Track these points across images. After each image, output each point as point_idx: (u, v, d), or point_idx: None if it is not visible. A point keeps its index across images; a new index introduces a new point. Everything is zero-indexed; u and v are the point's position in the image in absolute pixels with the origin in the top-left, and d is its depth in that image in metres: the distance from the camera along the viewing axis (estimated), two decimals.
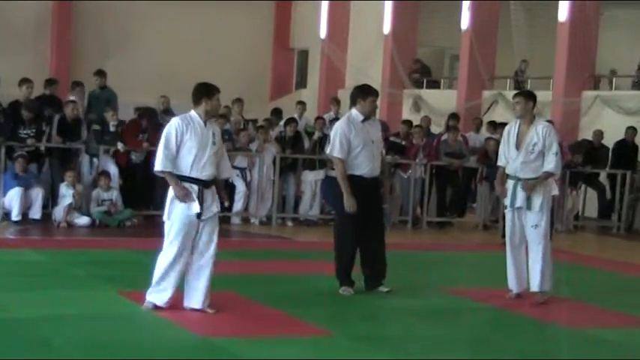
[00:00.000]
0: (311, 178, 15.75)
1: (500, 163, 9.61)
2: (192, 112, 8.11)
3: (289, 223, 15.79)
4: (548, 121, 9.88)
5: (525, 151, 9.23)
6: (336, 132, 9.24)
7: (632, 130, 17.72)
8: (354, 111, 9.27)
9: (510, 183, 9.43)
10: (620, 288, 11.08)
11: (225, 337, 7.31)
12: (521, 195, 9.28)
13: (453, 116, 18.02)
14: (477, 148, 17.54)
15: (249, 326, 7.77)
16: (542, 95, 20.45)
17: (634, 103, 18.93)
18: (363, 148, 9.14)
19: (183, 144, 7.94)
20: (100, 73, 16.53)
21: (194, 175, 8.00)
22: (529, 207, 9.25)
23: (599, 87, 20.77)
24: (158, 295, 8.06)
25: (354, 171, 9.16)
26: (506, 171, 9.48)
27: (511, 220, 9.50)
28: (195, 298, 8.09)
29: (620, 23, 21.63)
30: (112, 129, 14.55)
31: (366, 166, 9.16)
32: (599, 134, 17.64)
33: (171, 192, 7.99)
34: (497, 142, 16.93)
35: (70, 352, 6.65)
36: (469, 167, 17.04)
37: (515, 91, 21.65)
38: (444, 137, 17.03)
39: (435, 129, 18.58)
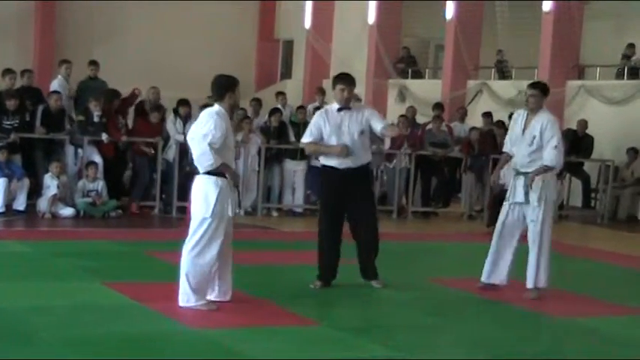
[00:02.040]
0: (291, 168, 15.74)
1: (505, 149, 9.52)
2: (220, 108, 7.90)
3: (274, 214, 15.78)
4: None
5: (525, 142, 9.12)
6: (312, 120, 9.24)
7: (583, 121, 17.76)
8: (334, 101, 9.19)
9: (512, 176, 9.34)
10: (604, 277, 11.13)
11: (212, 328, 7.30)
12: (520, 189, 9.16)
13: (438, 106, 18.03)
14: (462, 138, 17.56)
15: (236, 317, 7.75)
16: (526, 84, 20.57)
17: (618, 92, 18.99)
18: (331, 138, 8.94)
19: (226, 139, 7.80)
20: (94, 63, 16.44)
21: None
22: (527, 201, 9.11)
23: (583, 77, 20.83)
24: (201, 295, 7.90)
25: (326, 161, 9.06)
26: (512, 163, 9.38)
27: (505, 212, 9.39)
28: (229, 291, 8.10)
29: (604, 13, 21.65)
30: (95, 119, 14.48)
31: (334, 156, 8.95)
32: (583, 124, 17.69)
33: (214, 189, 7.78)
34: (482, 133, 17.09)
35: (54, 343, 6.62)
36: (454, 157, 17.06)
37: (499, 81, 21.96)
38: (429, 127, 17.04)
39: (420, 119, 18.59)
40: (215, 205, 7.74)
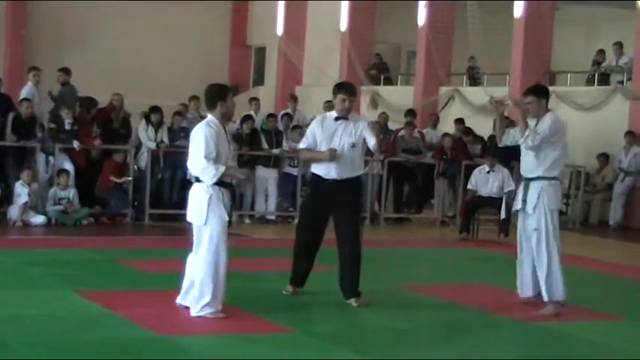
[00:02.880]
0: (263, 175, 15.72)
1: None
2: (211, 117, 7.91)
3: (247, 221, 15.76)
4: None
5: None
6: (309, 127, 9.19)
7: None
8: (334, 109, 9.01)
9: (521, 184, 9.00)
10: (576, 282, 11.15)
11: (183, 335, 7.28)
12: (519, 197, 8.88)
13: (410, 112, 18.09)
14: (434, 144, 17.62)
15: (208, 324, 7.73)
16: (498, 91, 20.67)
17: (589, 98, 19.11)
18: (323, 146, 8.78)
19: (218, 147, 7.80)
20: (64, 70, 16.36)
21: (226, 179, 7.90)
22: (524, 208, 8.79)
23: (554, 83, 20.95)
24: (215, 304, 7.86)
25: (315, 169, 8.96)
26: (521, 171, 9.01)
27: (518, 222, 9.04)
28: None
29: (574, 20, 21.82)
30: (67, 127, 14.41)
31: (322, 166, 8.79)
32: None
33: (204, 195, 7.78)
34: (453, 139, 17.15)
35: (25, 352, 6.58)
36: (426, 163, 17.10)
37: (471, 88, 22.05)
38: (401, 133, 17.08)
39: (393, 125, 18.63)
40: (207, 211, 7.76)
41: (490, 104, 9.13)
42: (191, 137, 7.96)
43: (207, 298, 7.79)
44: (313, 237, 8.99)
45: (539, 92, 8.94)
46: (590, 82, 20.21)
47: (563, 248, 8.95)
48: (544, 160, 8.72)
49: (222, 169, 7.75)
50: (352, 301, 8.71)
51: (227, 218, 7.86)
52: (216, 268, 7.85)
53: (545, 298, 8.75)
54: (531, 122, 8.89)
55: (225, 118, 8.07)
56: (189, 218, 7.97)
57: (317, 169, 8.92)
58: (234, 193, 8.19)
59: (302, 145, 9.08)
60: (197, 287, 7.85)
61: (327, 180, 8.81)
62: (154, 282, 9.61)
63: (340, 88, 8.94)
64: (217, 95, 7.98)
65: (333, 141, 8.76)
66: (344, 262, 8.82)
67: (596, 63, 20.31)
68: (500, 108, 9.53)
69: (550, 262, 8.73)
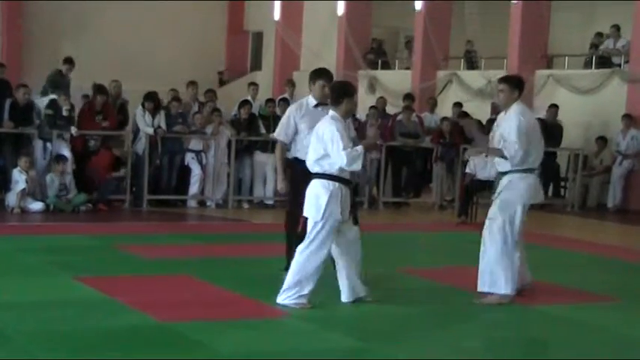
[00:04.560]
0: (262, 160, 15.73)
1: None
2: (334, 113, 7.93)
3: (245, 206, 15.77)
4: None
5: (495, 142, 8.59)
6: (285, 114, 9.16)
7: (552, 110, 17.71)
8: (310, 95, 9.03)
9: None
10: (574, 265, 11.20)
11: (182, 321, 7.28)
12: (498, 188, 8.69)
13: (408, 97, 18.08)
14: (432, 128, 17.62)
15: (206, 310, 7.75)
16: (496, 74, 20.61)
17: (586, 81, 19.10)
18: (309, 134, 8.69)
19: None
20: (69, 61, 16.25)
21: (345, 175, 7.92)
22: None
23: (552, 66, 20.93)
24: (300, 295, 7.85)
25: (299, 154, 8.92)
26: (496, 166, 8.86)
27: None
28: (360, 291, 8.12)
29: (572, 2, 21.77)
30: (64, 113, 14.40)
31: (305, 150, 8.68)
32: (552, 112, 17.73)
33: (324, 192, 7.76)
34: (452, 123, 17.15)
35: (25, 340, 6.57)
36: (424, 147, 17.11)
37: (468, 71, 22.03)
38: (399, 118, 17.08)
39: (391, 109, 18.62)
40: (325, 208, 7.75)
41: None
42: (317, 132, 7.89)
43: (291, 284, 7.83)
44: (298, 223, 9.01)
45: (512, 83, 8.68)
46: (587, 65, 20.19)
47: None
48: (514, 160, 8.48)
49: (360, 148, 7.78)
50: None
51: (340, 218, 7.84)
52: (314, 263, 7.83)
53: (478, 288, 8.49)
54: (501, 115, 8.74)
55: (347, 114, 8.10)
56: (305, 213, 7.94)
57: (302, 154, 8.85)
58: (355, 188, 8.11)
59: (280, 137, 9.07)
60: (291, 275, 7.85)
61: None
62: (152, 268, 9.62)
63: (319, 74, 8.94)
64: (344, 93, 8.01)
65: (313, 125, 8.59)
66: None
67: (594, 46, 20.29)
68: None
69: (496, 253, 8.47)
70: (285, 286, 7.88)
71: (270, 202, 15.92)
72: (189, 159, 15.34)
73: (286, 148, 9.12)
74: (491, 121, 17.65)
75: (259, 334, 7.01)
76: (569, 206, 17.65)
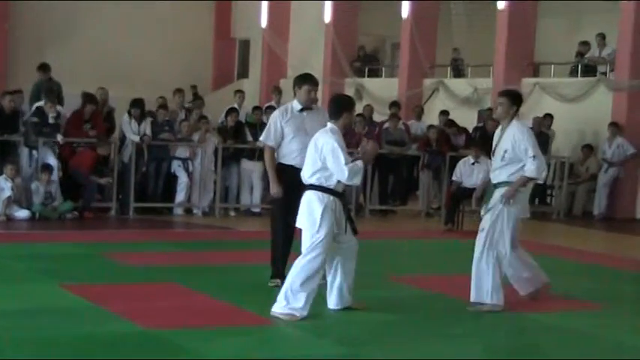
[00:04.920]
0: (249, 168, 15.72)
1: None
2: (333, 125, 7.96)
3: (232, 213, 15.76)
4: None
5: (497, 156, 8.65)
6: (271, 120, 9.21)
7: (539, 118, 17.80)
8: (295, 100, 9.14)
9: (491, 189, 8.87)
10: (560, 273, 11.20)
11: (168, 328, 7.26)
12: (492, 199, 8.71)
13: (394, 104, 18.11)
14: (419, 136, 17.65)
15: (192, 317, 7.74)
16: (482, 82, 20.74)
17: (572, 90, 19.17)
18: (294, 138, 8.95)
19: None
20: (43, 67, 16.25)
21: (339, 189, 7.95)
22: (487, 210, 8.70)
23: (538, 74, 21.01)
24: (295, 304, 7.79)
25: (284, 160, 9.05)
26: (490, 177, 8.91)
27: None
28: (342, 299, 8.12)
29: (558, 11, 21.86)
30: (50, 121, 14.36)
31: (296, 156, 8.91)
32: (539, 121, 17.79)
33: (319, 205, 7.78)
34: (439, 130, 17.19)
35: (11, 347, 6.55)
36: (411, 155, 17.13)
37: (455, 79, 22.09)
38: (386, 125, 17.10)
39: (377, 117, 18.64)
40: (320, 221, 7.76)
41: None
42: (316, 144, 7.89)
43: (284, 297, 7.77)
44: (290, 225, 9.00)
45: (513, 97, 8.81)
46: (573, 73, 20.27)
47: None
48: (509, 166, 8.60)
49: (361, 163, 7.84)
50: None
51: (336, 230, 7.88)
52: (312, 275, 7.81)
53: (472, 298, 8.51)
54: (498, 131, 8.87)
55: (345, 128, 8.15)
56: (299, 224, 7.95)
57: (288, 159, 9.01)
58: (345, 203, 8.14)
59: (267, 141, 9.11)
60: (286, 287, 7.81)
61: (300, 169, 8.74)
62: (139, 275, 9.60)
63: (306, 79, 9.05)
64: (344, 107, 8.07)
65: (304, 132, 8.89)
66: None
67: (580, 54, 20.36)
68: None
69: (484, 263, 8.51)
70: (279, 296, 7.84)
71: (257, 209, 15.91)
72: (176, 166, 15.32)
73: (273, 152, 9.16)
74: (477, 129, 17.83)
75: (246, 342, 7.00)
76: (555, 214, 17.70)
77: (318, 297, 8.22)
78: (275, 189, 9.03)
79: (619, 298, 9.65)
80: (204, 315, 7.85)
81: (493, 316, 8.33)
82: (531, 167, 8.47)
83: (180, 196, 15.29)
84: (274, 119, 9.11)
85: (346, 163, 7.71)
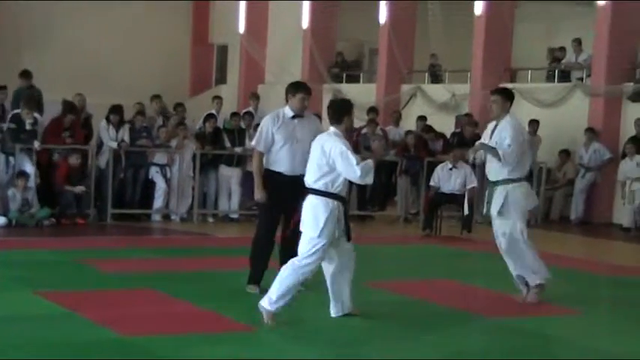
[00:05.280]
0: (227, 174, 15.71)
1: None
2: (335, 129, 7.99)
3: (210, 220, 15.74)
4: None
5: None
6: (262, 125, 9.24)
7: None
8: (287, 107, 9.15)
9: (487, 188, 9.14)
10: None
11: (145, 335, 7.24)
12: (485, 200, 9.05)
13: (372, 110, 18.12)
14: (397, 142, 17.67)
15: (170, 324, 7.71)
16: (460, 88, 20.79)
17: (549, 95, 19.25)
18: (285, 145, 9.01)
19: None
20: (25, 74, 16.19)
21: (343, 193, 8.02)
22: (488, 210, 8.98)
23: (515, 80, 21.08)
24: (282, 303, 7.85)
25: (273, 166, 9.09)
26: (487, 176, 9.17)
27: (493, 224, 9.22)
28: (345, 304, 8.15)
29: (534, 17, 21.96)
30: (27, 127, 14.29)
31: (285, 163, 9.01)
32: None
33: (324, 210, 7.79)
34: (416, 136, 17.23)
35: None
36: (389, 161, 17.14)
37: (432, 85, 22.14)
38: (364, 131, 17.11)
39: (355, 123, 18.61)
40: (323, 226, 7.77)
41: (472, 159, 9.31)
42: (322, 149, 7.88)
43: (278, 296, 7.78)
44: (273, 234, 9.21)
45: (505, 94, 9.13)
46: (550, 78, 20.36)
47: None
48: (507, 163, 8.83)
49: (371, 162, 7.93)
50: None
51: (336, 235, 7.92)
52: (307, 273, 7.88)
53: (532, 283, 9.08)
54: (490, 124, 9.00)
55: (347, 131, 8.19)
56: (302, 228, 7.93)
57: (277, 166, 9.07)
58: (347, 209, 8.25)
59: (258, 147, 9.15)
60: (276, 285, 7.81)
61: (289, 176, 9.00)
62: (116, 282, 9.55)
63: (299, 87, 9.13)
64: (344, 110, 8.11)
65: (296, 138, 8.98)
66: (292, 253, 8.81)
67: (557, 60, 20.45)
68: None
69: (525, 257, 9.03)
70: (272, 293, 7.80)
71: (235, 215, 15.89)
72: (154, 173, 15.28)
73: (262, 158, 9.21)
74: (455, 135, 17.86)
75: (224, 348, 6.98)
76: (532, 219, 17.73)
77: (299, 303, 8.21)
78: (259, 194, 9.06)
79: (595, 302, 9.71)
80: (183, 322, 7.83)
81: (470, 321, 8.35)
82: (507, 151, 8.69)
83: (158, 202, 15.25)
84: (266, 125, 9.13)
85: (357, 164, 7.75)
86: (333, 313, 8.16)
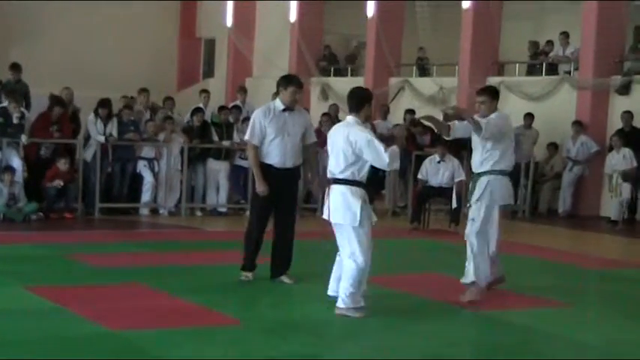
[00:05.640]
0: (215, 167, 15.70)
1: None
2: (355, 118, 8.05)
3: (198, 213, 15.72)
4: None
5: (484, 148, 8.93)
6: (253, 118, 9.30)
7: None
8: (277, 100, 9.28)
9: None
10: (524, 269, 11.28)
11: (133, 329, 7.23)
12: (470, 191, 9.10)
13: None
14: (385, 135, 17.65)
15: (157, 318, 7.70)
16: (447, 82, 20.81)
17: (537, 88, 19.29)
18: (276, 138, 9.12)
19: None
20: (15, 67, 16.16)
21: (364, 180, 8.10)
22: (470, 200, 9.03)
23: (503, 73, 21.12)
24: (357, 298, 7.97)
25: (265, 159, 9.19)
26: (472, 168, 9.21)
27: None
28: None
29: (522, 10, 21.99)
30: (15, 121, 14.26)
31: (276, 155, 9.13)
32: None
33: (356, 198, 7.90)
34: (404, 129, 17.19)
35: None
36: None
37: (420, 78, 22.15)
38: None
39: (343, 116, 18.62)
40: (361, 213, 7.88)
41: (446, 113, 9.28)
42: (348, 139, 7.90)
43: (350, 295, 7.91)
44: (264, 224, 9.38)
45: (492, 93, 9.22)
46: (535, 72, 20.40)
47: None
48: (491, 155, 8.90)
49: (396, 148, 7.99)
50: (284, 279, 9.32)
51: (375, 219, 8.06)
52: (365, 266, 7.97)
53: (468, 280, 9.02)
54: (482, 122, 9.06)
55: (366, 119, 8.25)
56: (336, 219, 7.99)
57: (268, 158, 9.18)
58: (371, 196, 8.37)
59: (252, 140, 9.22)
60: (343, 284, 7.93)
61: (280, 169, 9.16)
62: (104, 277, 9.53)
63: (291, 81, 9.23)
64: (364, 99, 8.15)
65: (286, 131, 9.12)
66: (283, 244, 9.32)
67: (542, 53, 20.48)
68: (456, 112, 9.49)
69: (476, 249, 8.90)
70: (344, 295, 7.91)
71: (224, 209, 15.89)
72: (142, 167, 15.26)
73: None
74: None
75: (211, 342, 6.97)
76: (520, 212, 17.80)
77: (285, 296, 8.23)
78: (262, 187, 9.12)
79: (583, 295, 9.74)
80: (171, 316, 7.81)
81: (459, 314, 8.37)
82: (487, 127, 8.69)
83: (146, 196, 15.23)
84: (257, 118, 9.21)
85: (385, 151, 7.83)
86: (331, 291, 8.25)
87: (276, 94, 9.51)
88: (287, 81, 9.21)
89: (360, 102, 8.10)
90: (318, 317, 8.01)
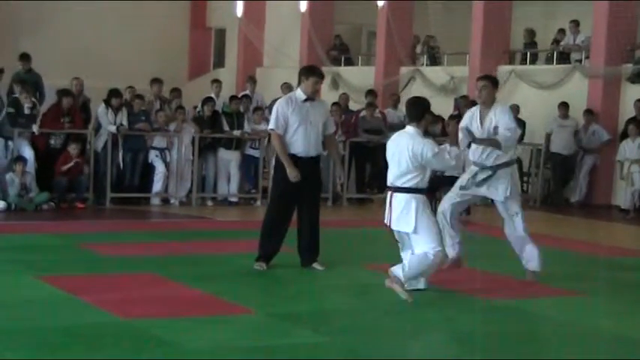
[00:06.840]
0: (226, 157, 15.71)
1: (462, 145, 9.42)
2: (417, 130, 8.23)
3: (209, 203, 15.74)
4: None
5: (487, 134, 9.08)
6: (276, 108, 9.41)
7: (514, 106, 17.91)
8: (299, 90, 9.45)
9: (474, 169, 9.30)
10: None
11: (146, 318, 7.24)
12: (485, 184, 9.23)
13: (371, 93, 18.09)
14: (396, 125, 17.62)
15: (170, 307, 7.71)
16: (458, 70, 20.76)
17: (548, 77, 19.22)
18: (299, 127, 9.25)
19: None
20: (24, 57, 16.20)
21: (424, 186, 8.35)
22: (487, 191, 9.22)
23: (514, 62, 21.05)
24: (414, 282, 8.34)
25: (289, 149, 9.30)
26: (470, 157, 9.35)
27: (455, 197, 9.50)
28: None
29: None
30: (26, 111, 14.29)
31: (300, 145, 9.26)
32: (515, 108, 17.81)
33: (414, 205, 8.11)
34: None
35: None
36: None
37: (431, 67, 22.10)
38: (362, 114, 17.09)
39: (354, 106, 18.63)
40: (416, 220, 8.09)
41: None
42: (410, 151, 8.08)
43: (409, 282, 8.21)
44: (287, 215, 9.45)
45: (493, 80, 9.43)
46: (549, 60, 20.33)
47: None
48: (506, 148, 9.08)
49: (455, 149, 8.32)
50: (317, 266, 9.45)
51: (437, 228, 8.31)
52: (436, 263, 8.21)
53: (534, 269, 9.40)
54: (474, 109, 9.29)
55: (425, 129, 8.43)
56: (402, 227, 8.25)
57: (292, 148, 9.30)
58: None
59: (275, 129, 9.33)
60: (413, 266, 8.15)
61: (304, 158, 9.29)
62: (116, 266, 9.55)
63: (313, 72, 9.45)
64: (425, 109, 8.35)
65: (308, 121, 9.28)
66: (310, 231, 9.45)
67: (556, 42, 20.41)
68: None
69: (529, 240, 9.36)
70: (404, 269, 8.11)
71: (234, 199, 15.90)
72: (153, 156, 15.27)
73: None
74: (453, 117, 17.80)
75: (223, 331, 6.98)
76: (531, 201, 17.75)
77: (300, 286, 8.22)
78: (294, 172, 9.20)
79: (597, 284, 9.69)
80: (182, 305, 7.83)
81: (469, 303, 8.35)
82: (503, 136, 8.94)
83: (157, 185, 15.24)
84: (281, 108, 9.34)
85: (449, 157, 8.10)
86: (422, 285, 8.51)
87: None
88: (309, 71, 9.42)
89: (421, 112, 8.28)
90: (326, 306, 8.02)
